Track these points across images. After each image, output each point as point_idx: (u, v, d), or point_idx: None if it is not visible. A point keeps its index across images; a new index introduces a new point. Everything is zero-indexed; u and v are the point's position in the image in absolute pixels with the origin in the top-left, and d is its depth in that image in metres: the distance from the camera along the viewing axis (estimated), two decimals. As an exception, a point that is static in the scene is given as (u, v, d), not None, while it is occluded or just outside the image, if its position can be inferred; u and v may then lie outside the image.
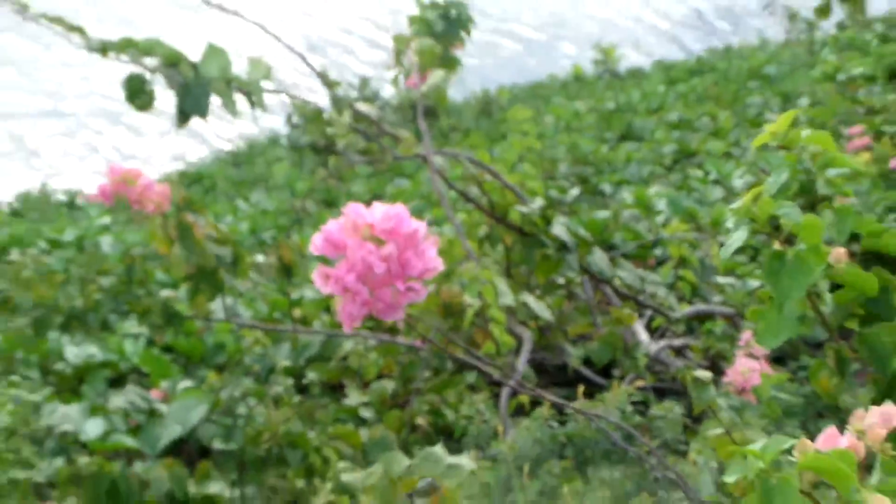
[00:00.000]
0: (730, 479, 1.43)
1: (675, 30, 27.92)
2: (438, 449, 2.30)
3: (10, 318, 4.75)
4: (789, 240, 2.12)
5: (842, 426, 1.53)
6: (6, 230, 12.28)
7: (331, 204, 10.64)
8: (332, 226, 2.21)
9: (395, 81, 4.35)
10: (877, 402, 1.80)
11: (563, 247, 4.20)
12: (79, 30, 3.67)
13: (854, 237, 2.25)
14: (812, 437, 1.50)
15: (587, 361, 4.31)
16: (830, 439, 1.47)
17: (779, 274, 2.07)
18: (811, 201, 2.30)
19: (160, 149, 18.31)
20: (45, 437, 4.11)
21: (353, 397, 5.01)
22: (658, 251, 6.08)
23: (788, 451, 1.42)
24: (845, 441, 1.47)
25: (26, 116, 20.93)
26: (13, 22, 3.93)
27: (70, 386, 5.44)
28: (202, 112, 3.32)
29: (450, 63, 4.30)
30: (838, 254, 2.16)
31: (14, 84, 21.85)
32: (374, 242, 2.18)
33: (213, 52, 3.33)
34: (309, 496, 3.98)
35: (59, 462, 3.94)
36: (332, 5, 27.68)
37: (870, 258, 2.26)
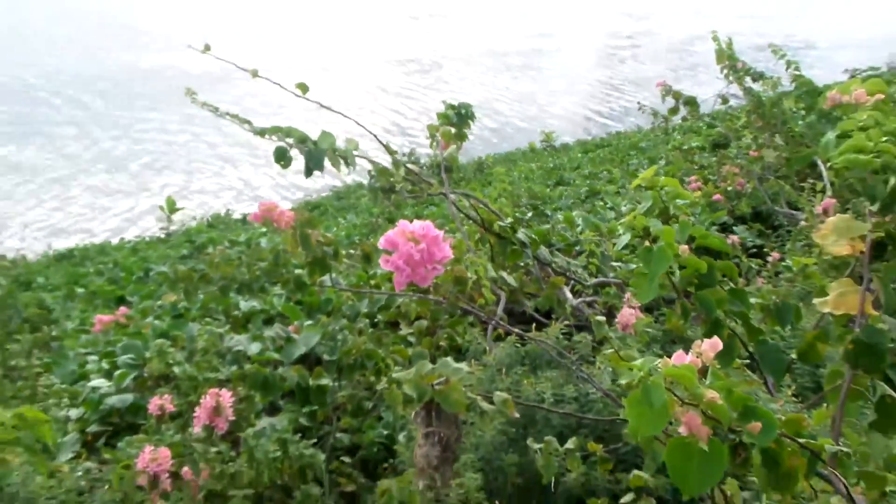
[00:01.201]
0: (622, 381, 1.39)
1: (598, 119, 28.33)
2: (450, 359, 2.27)
3: (205, 287, 4.76)
4: (654, 240, 2.08)
5: (686, 349, 1.50)
6: (205, 235, 12.31)
7: (391, 221, 10.66)
8: (390, 233, 2.18)
9: (433, 145, 4.35)
10: (707, 335, 1.76)
11: (523, 245, 4.16)
12: (247, 121, 3.65)
13: (692, 239, 2.21)
14: (670, 356, 1.47)
15: (537, 310, 4.29)
16: (680, 358, 1.44)
17: (649, 260, 2.03)
18: (666, 218, 2.25)
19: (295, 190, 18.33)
20: (226, 353, 4.11)
21: (404, 330, 5.00)
22: (577, 248, 6.03)
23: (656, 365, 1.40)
24: (689, 359, 1.44)
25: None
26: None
27: (241, 324, 5.45)
28: (320, 168, 3.32)
29: (461, 137, 4.31)
30: (683, 249, 2.13)
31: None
32: (414, 242, 2.16)
33: (325, 134, 3.31)
34: (376, 385, 3.97)
35: (234, 368, 3.93)
36: (408, 106, 28.17)
37: (701, 251, 2.22)
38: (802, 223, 5.52)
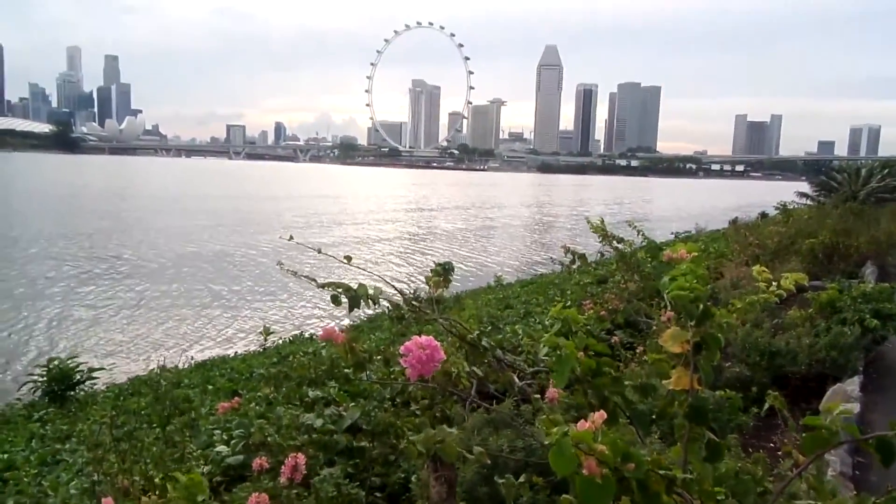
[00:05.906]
0: (546, 441, 1.40)
1: (529, 266, 28.20)
2: (445, 426, 2.24)
3: (288, 382, 4.68)
4: (560, 349, 2.10)
5: (587, 416, 1.49)
6: (288, 349, 12.05)
7: (403, 335, 10.51)
8: (408, 343, 2.20)
9: (429, 284, 4.32)
10: (599, 407, 1.76)
11: (485, 349, 4.12)
12: (313, 280, 3.65)
13: (587, 346, 2.24)
14: (578, 419, 1.46)
15: (497, 390, 4.21)
16: (582, 424, 1.44)
17: (559, 363, 2.05)
18: (568, 333, 2.29)
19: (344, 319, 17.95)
20: (300, 426, 3.91)
21: (413, 407, 4.88)
22: (520, 349, 6.00)
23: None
24: (587, 425, 1.44)
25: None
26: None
27: (310, 406, 5.27)
28: (358, 307, 3.29)
29: (446, 280, 4.31)
30: (580, 355, 2.14)
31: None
32: (421, 349, 2.17)
33: (361, 286, 3.30)
34: (397, 444, 3.84)
35: (305, 436, 3.78)
36: (411, 268, 27.96)
37: (593, 354, 2.24)
38: (654, 327, 5.57)
